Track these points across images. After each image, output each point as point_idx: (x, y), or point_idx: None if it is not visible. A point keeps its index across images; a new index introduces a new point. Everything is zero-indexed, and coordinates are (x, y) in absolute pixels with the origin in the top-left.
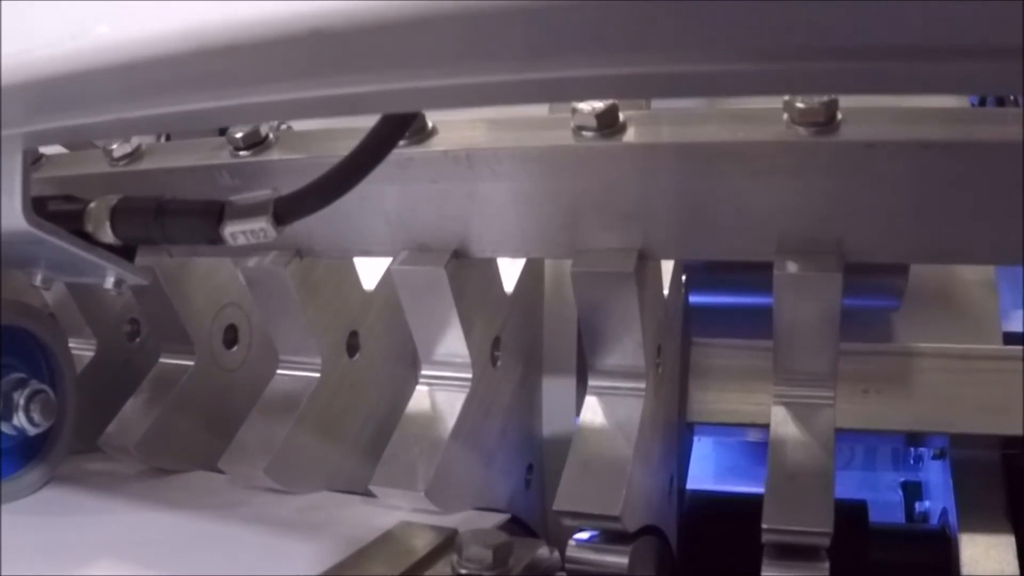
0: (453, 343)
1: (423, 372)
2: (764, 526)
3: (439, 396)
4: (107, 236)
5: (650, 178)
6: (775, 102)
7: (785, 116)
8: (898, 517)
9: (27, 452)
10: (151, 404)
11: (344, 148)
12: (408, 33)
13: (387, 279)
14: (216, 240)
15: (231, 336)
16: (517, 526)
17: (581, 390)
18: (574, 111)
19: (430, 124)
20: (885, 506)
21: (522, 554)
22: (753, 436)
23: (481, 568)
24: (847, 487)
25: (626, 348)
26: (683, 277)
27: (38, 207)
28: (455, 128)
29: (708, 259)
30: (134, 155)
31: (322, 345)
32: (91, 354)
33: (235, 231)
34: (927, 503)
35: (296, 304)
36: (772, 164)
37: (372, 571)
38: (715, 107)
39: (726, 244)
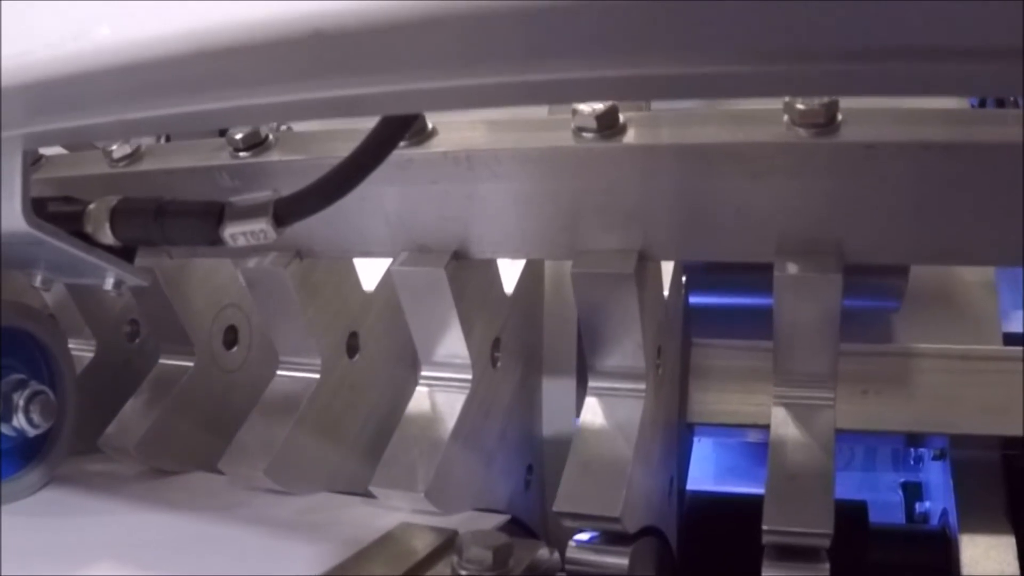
0: (453, 344)
1: (423, 373)
2: (764, 527)
3: (439, 397)
4: (107, 237)
5: (650, 179)
6: (775, 103)
7: (785, 117)
8: (898, 518)
9: (27, 453)
10: (151, 405)
11: (344, 149)
12: (409, 35)
13: (387, 280)
14: (216, 241)
15: (231, 337)
16: (517, 527)
17: (581, 391)
18: (574, 112)
19: (430, 125)
20: (885, 507)
21: (522, 555)
22: (753, 437)
23: (481, 569)
24: (847, 488)
25: (626, 349)
26: (683, 278)
27: (38, 208)
28: (455, 129)
29: (708, 260)
30: (134, 156)
31: (322, 346)
32: (91, 355)
33: (235, 232)
34: (927, 504)
35: (296, 305)
36: (772, 165)
37: (372, 572)
38: (715, 108)
39: (726, 245)
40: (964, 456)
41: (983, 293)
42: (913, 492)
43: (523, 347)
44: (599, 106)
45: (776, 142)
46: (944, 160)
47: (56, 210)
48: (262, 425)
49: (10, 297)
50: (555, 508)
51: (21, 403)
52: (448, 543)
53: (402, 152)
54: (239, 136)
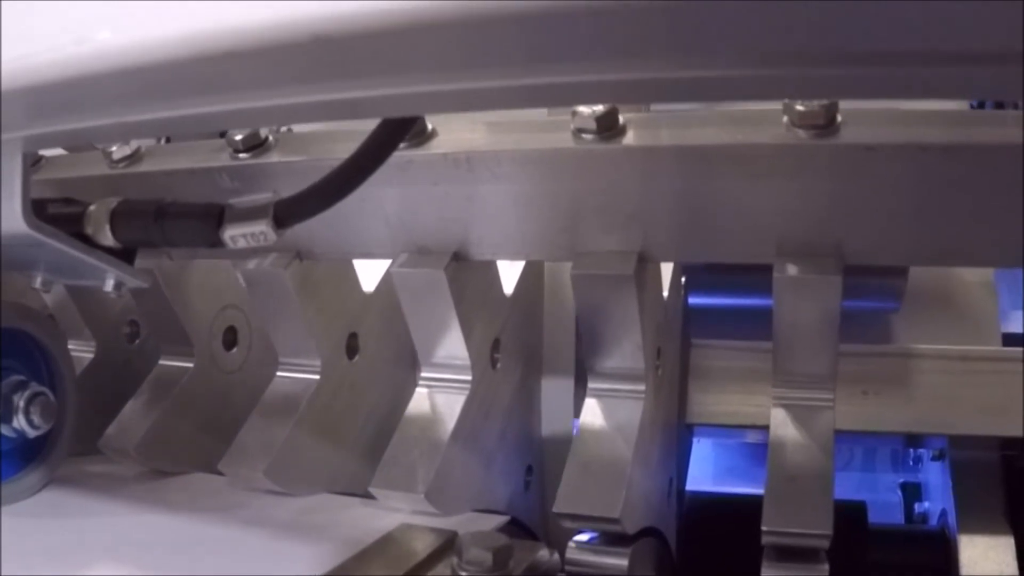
0: (453, 345)
1: (423, 374)
2: (764, 528)
3: (439, 398)
4: (107, 239)
5: (650, 181)
6: (775, 104)
7: (785, 118)
8: (897, 518)
9: (27, 454)
10: (151, 406)
11: (344, 150)
12: (408, 39)
13: (387, 281)
14: (216, 243)
15: (231, 338)
16: (517, 528)
17: (580, 392)
18: (574, 114)
19: (430, 127)
20: (884, 507)
21: (522, 556)
22: (752, 438)
23: (481, 570)
24: (846, 488)
25: (625, 350)
26: (683, 279)
27: (38, 210)
28: (455, 131)
29: (708, 261)
30: (133, 157)
31: (322, 347)
32: (91, 356)
33: (235, 234)
34: (926, 504)
35: (296, 306)
36: (772, 166)
37: (372, 573)
38: (714, 110)
39: (726, 246)
40: (963, 457)
41: (982, 294)
42: (912, 492)
43: (523, 348)
44: (599, 108)
45: (776, 143)
46: (943, 161)
47: (56, 212)
48: (262, 426)
49: (10, 298)
50: (555, 509)
51: (21, 404)
52: (448, 544)
53: (402, 154)
54: (239, 137)
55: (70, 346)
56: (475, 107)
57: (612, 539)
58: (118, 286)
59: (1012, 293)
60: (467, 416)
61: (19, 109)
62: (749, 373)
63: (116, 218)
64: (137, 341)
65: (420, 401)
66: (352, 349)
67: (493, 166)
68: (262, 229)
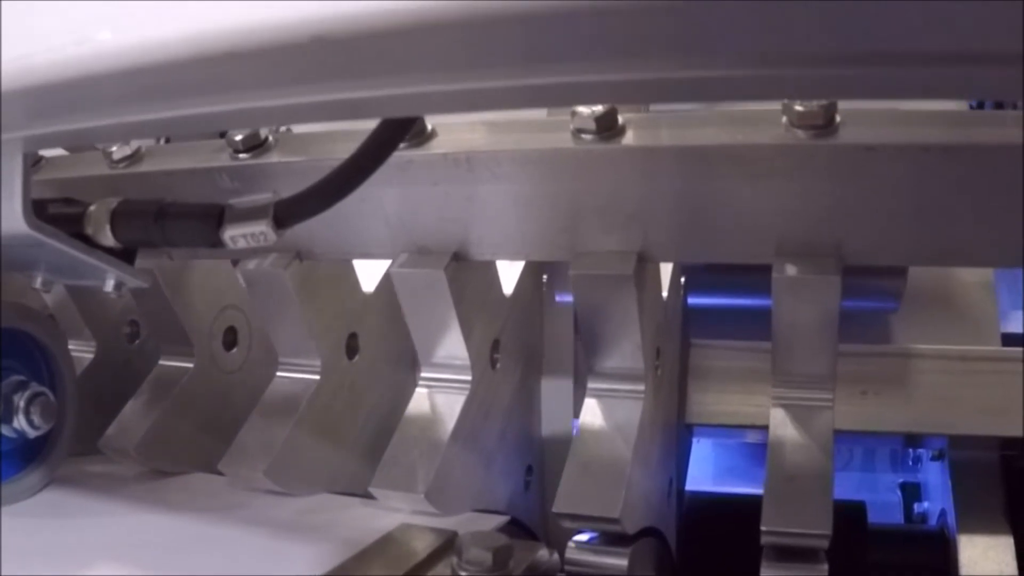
0: (452, 345)
1: (422, 374)
2: (763, 528)
3: (438, 398)
4: (107, 239)
5: (649, 181)
6: (774, 105)
7: (784, 119)
8: (897, 518)
9: (27, 454)
10: (151, 406)
11: (343, 151)
12: (408, 39)
13: (387, 281)
14: (216, 243)
15: (231, 338)
16: (517, 528)
17: (580, 392)
18: (573, 114)
19: (430, 127)
20: (884, 507)
21: (522, 556)
22: (752, 437)
23: (481, 570)
24: (846, 488)
25: (625, 350)
26: (682, 279)
27: (38, 210)
28: (455, 131)
29: (707, 262)
30: (133, 157)
31: (322, 347)
32: (91, 356)
33: (235, 235)
34: (926, 504)
35: (296, 306)
36: (771, 167)
37: (372, 573)
38: (714, 110)
39: (725, 247)
40: (963, 457)
41: (982, 294)
42: (911, 492)
43: (522, 348)
44: (598, 108)
45: (775, 144)
46: (943, 161)
47: (56, 212)
48: (262, 426)
49: (10, 298)
50: (555, 509)
51: (21, 404)
52: (448, 544)
53: (402, 154)
54: (239, 138)
55: (70, 346)
56: (475, 107)
57: (612, 539)
58: (118, 286)
59: (1012, 293)
60: (467, 416)
61: (19, 109)
62: (748, 373)
63: (116, 218)
64: (137, 341)
65: (420, 401)
66: (352, 349)
67: (493, 166)
68: (262, 229)
